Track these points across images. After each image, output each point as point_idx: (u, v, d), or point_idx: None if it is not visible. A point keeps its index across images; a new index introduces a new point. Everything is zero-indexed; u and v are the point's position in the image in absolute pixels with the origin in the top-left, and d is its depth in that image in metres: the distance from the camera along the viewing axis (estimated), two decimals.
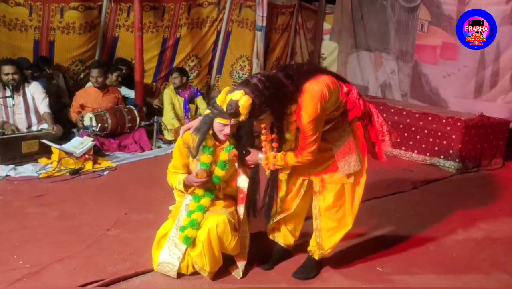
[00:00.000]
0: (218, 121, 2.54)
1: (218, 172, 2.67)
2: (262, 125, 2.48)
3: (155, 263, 2.63)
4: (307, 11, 8.03)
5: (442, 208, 3.94)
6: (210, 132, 2.61)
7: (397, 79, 7.04)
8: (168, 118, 5.75)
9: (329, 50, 8.27)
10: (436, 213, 3.80)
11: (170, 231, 2.66)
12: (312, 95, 2.28)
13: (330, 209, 2.61)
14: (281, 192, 2.72)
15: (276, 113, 2.32)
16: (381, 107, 5.78)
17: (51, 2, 5.80)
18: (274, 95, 2.24)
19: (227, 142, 2.66)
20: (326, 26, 8.20)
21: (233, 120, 2.44)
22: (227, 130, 2.54)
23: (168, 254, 2.59)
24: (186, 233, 2.55)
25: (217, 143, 2.67)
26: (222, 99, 2.34)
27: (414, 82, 6.77)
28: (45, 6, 5.78)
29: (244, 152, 2.57)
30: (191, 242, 2.55)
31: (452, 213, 3.83)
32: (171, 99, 5.87)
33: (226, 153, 2.65)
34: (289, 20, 7.70)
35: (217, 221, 2.51)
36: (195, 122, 2.70)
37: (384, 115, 5.67)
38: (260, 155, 2.52)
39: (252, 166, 2.60)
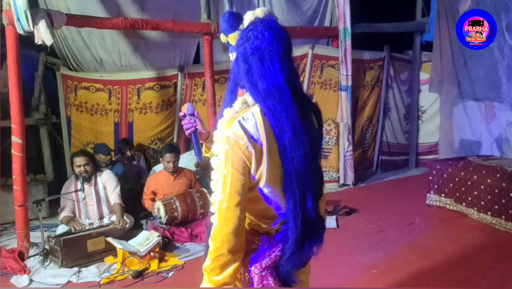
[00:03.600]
0: None
1: None
2: None
3: None
4: (400, 61, 7.25)
5: None
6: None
7: None
8: None
9: (429, 102, 7.34)
10: None
11: None
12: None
13: None
14: None
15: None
16: (498, 175, 4.74)
17: (128, 84, 5.83)
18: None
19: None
20: (423, 75, 7.33)
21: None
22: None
23: None
24: None
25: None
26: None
27: None
28: (123, 89, 5.82)
29: None
30: None
31: None
32: None
33: None
34: (379, 74, 6.97)
35: None
36: None
37: (504, 184, 4.65)
38: None
39: None
